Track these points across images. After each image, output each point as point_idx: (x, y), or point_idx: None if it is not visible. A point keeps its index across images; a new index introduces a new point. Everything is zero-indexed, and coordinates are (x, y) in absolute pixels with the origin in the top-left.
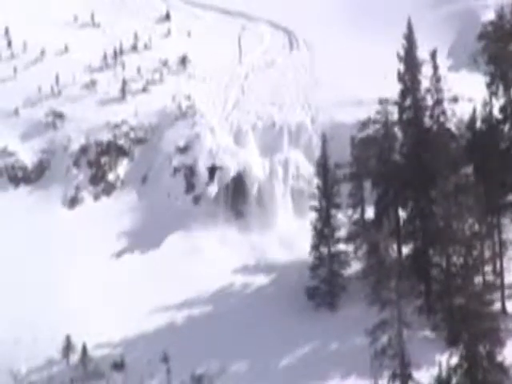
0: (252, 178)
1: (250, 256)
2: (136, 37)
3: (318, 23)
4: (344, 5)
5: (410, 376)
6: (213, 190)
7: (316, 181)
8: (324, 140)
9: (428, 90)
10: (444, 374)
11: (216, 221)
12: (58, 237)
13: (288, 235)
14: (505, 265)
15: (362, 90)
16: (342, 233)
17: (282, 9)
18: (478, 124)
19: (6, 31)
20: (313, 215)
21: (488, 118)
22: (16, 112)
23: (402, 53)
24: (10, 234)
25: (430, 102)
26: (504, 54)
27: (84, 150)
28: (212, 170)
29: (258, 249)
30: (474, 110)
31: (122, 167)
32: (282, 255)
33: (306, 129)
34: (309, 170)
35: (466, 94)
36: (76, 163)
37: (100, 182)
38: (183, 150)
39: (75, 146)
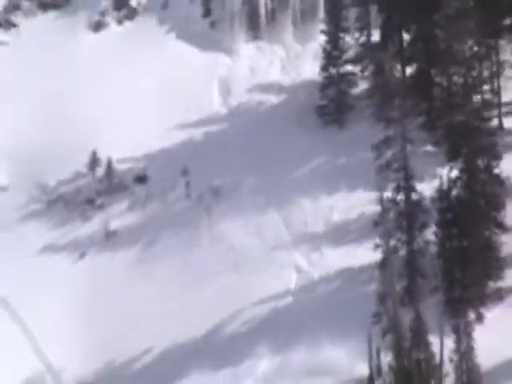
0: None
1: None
2: None
3: None
4: None
5: (413, 188)
6: (227, 15)
7: (325, 5)
8: None
9: None
10: (445, 185)
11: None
12: (85, 57)
13: (295, 57)
14: (502, 84)
15: None
16: (349, 55)
17: None
18: None
19: None
20: (322, 38)
21: None
22: None
23: None
24: (40, 56)
25: None
26: None
27: None
28: None
29: (269, 68)
30: None
31: None
32: (290, 76)
33: None
34: None
35: None
36: None
37: (123, 7)
38: None
39: None
